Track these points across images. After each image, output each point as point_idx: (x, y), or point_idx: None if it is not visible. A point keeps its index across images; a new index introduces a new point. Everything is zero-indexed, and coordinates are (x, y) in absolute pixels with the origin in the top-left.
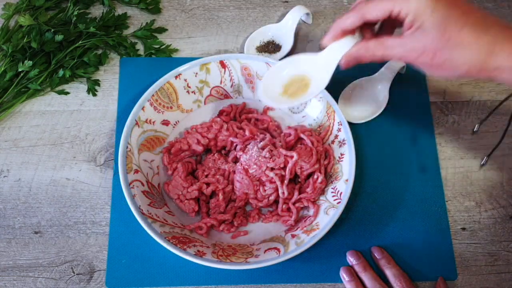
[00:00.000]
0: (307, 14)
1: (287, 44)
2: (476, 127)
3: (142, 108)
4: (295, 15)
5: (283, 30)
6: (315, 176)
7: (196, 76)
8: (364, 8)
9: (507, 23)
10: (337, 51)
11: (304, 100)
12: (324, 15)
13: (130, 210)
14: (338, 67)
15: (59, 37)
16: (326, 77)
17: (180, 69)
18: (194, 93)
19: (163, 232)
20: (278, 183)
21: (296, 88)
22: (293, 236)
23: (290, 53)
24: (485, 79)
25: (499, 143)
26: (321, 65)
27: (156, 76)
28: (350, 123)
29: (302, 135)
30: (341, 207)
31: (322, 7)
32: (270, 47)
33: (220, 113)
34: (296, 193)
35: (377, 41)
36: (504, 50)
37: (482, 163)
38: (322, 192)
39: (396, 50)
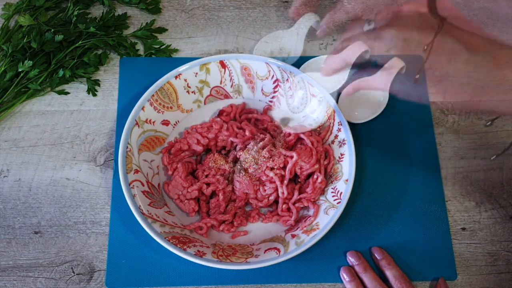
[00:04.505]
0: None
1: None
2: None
3: (142, 108)
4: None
5: None
6: (315, 176)
7: (196, 76)
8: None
9: None
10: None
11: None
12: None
13: (130, 210)
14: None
15: (59, 37)
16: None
17: (180, 69)
18: (194, 93)
19: (163, 232)
20: (278, 183)
21: None
22: (293, 236)
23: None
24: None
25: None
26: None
27: (156, 76)
28: (350, 123)
29: (302, 135)
30: (341, 207)
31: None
32: None
33: (220, 113)
34: (296, 193)
35: None
36: None
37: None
38: (322, 192)
39: None
